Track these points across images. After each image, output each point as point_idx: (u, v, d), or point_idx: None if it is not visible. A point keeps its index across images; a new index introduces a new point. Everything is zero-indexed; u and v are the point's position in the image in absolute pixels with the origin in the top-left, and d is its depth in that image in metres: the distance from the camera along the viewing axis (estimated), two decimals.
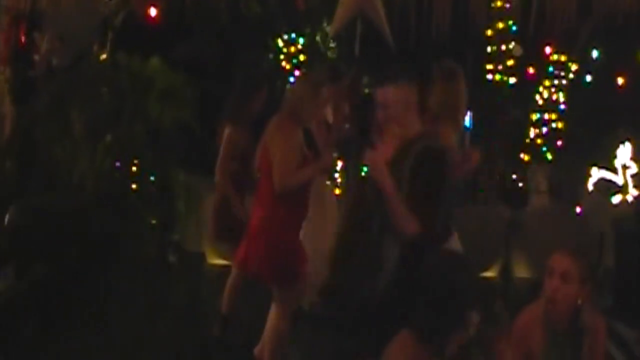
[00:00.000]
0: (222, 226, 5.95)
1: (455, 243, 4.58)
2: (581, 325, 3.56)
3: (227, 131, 5.86)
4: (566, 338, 3.59)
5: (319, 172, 5.16)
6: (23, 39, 8.70)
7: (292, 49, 9.84)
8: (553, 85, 9.90)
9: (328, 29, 9.91)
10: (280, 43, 9.86)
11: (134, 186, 7.85)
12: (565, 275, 3.53)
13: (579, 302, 3.55)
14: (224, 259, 7.64)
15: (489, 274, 8.30)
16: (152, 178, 8.03)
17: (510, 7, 9.59)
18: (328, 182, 7.09)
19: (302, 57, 9.82)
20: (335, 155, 5.56)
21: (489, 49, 9.75)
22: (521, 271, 8.42)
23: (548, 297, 3.57)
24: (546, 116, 9.84)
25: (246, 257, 5.01)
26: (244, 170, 5.81)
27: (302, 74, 8.89)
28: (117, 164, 7.85)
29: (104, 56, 8.78)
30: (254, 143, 5.48)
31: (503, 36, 9.70)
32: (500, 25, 9.65)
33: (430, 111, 5.67)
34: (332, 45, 9.88)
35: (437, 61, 5.62)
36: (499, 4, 9.63)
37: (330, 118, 6.58)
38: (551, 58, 9.92)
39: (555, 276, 3.55)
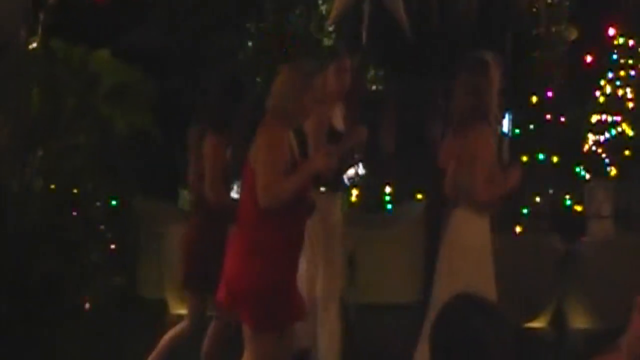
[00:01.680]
0: (197, 268, 6.03)
1: None
2: None
3: (210, 142, 5.98)
4: None
5: (310, 176, 5.22)
6: None
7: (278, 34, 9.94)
8: (618, 78, 9.97)
9: (324, 8, 10.04)
10: (264, 28, 9.96)
11: (74, 214, 7.88)
12: None
13: None
14: None
15: (536, 323, 8.35)
16: (97, 203, 8.08)
17: None
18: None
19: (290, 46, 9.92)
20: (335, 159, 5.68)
21: (534, 32, 9.83)
22: (578, 320, 8.45)
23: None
24: (609, 118, 9.91)
25: (225, 294, 5.13)
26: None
27: (289, 63, 9.00)
28: (53, 185, 7.88)
29: (34, 44, 8.80)
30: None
31: (553, 15, 9.80)
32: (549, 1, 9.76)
33: (455, 112, 5.80)
34: (330, 29, 10.01)
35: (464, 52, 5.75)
36: None
37: (337, 123, 6.67)
38: (615, 42, 10.02)
39: None
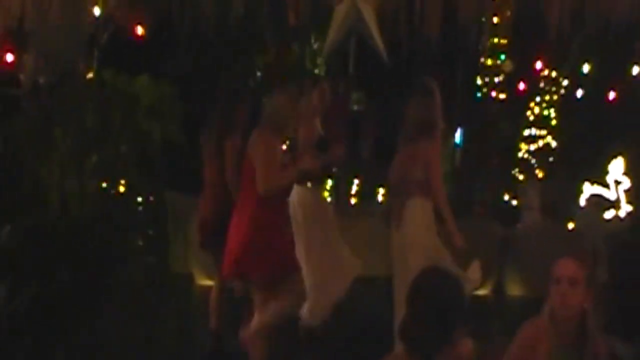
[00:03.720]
0: (212, 232, 6.27)
1: None
2: (587, 332, 3.71)
3: (230, 143, 6.11)
4: (573, 348, 3.73)
5: (300, 173, 5.55)
6: (10, 57, 8.91)
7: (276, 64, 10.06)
8: (544, 101, 10.13)
9: (316, 45, 10.20)
10: (268, 60, 10.09)
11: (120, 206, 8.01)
12: (572, 279, 3.72)
13: (585, 306, 3.74)
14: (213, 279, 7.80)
15: (481, 291, 8.44)
16: (139, 198, 8.21)
17: (500, 21, 9.81)
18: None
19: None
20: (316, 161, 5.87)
21: (479, 63, 10.00)
22: (514, 289, 8.61)
23: (557, 304, 3.72)
24: (537, 132, 10.10)
25: (231, 261, 5.44)
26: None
27: (279, 88, 9.17)
28: (104, 184, 8.02)
29: (90, 75, 8.99)
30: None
31: (493, 51, 9.97)
32: (491, 40, 9.91)
33: (408, 127, 6.01)
34: (318, 62, 10.17)
35: (417, 78, 5.97)
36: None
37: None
38: (542, 73, 10.19)
39: (563, 282, 3.73)
